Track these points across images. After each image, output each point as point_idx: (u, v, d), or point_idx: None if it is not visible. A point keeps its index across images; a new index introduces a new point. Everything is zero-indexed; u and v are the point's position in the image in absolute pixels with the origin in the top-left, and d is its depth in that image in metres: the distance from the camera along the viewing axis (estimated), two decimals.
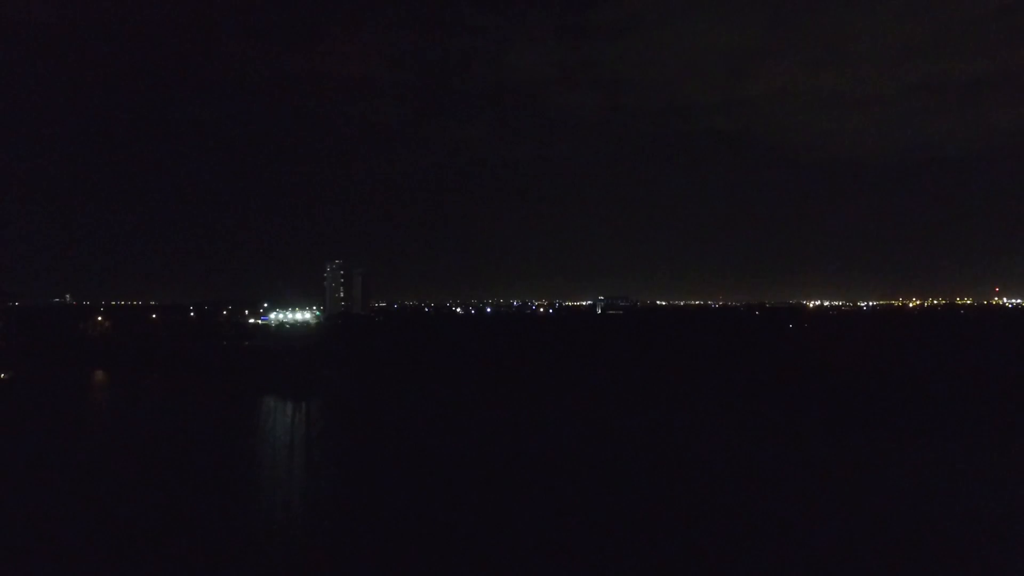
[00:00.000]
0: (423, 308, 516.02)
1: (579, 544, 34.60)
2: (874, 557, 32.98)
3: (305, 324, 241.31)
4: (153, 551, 34.26)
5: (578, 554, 33.35)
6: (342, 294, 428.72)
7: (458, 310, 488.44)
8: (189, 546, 34.79)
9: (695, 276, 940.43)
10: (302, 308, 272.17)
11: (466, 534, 36.18)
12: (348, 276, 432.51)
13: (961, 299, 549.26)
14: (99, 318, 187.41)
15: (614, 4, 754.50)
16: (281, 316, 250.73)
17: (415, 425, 67.84)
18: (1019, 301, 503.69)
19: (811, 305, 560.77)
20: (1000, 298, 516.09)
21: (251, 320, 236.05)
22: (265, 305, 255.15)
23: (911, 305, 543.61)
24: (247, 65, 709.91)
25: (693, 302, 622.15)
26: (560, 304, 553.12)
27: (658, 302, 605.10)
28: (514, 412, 74.49)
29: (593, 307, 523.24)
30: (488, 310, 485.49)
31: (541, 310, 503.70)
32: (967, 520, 38.32)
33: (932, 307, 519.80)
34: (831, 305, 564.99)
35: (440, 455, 54.33)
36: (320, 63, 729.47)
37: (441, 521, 38.12)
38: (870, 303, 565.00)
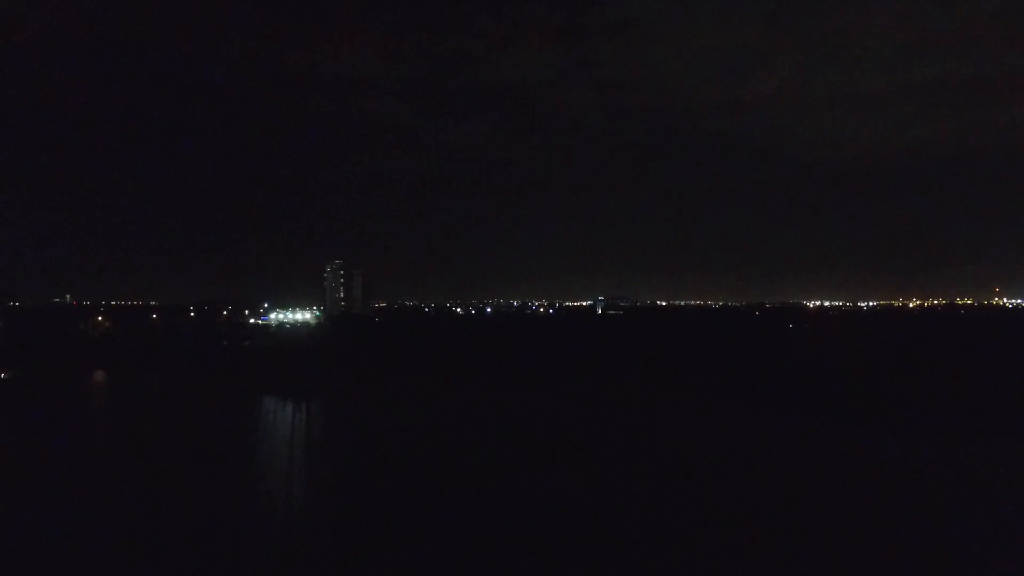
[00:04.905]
0: (423, 308, 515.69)
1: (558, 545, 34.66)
2: (874, 555, 32.99)
3: (305, 324, 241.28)
4: (153, 551, 34.25)
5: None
6: (342, 294, 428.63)
7: (458, 310, 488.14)
8: (189, 546, 34.79)
9: (695, 276, 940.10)
10: (302, 308, 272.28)
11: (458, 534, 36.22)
12: (348, 276, 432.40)
13: (961, 299, 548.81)
14: (99, 318, 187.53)
15: (614, 4, 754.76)
16: (281, 316, 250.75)
17: (411, 426, 67.83)
18: (1019, 301, 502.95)
19: (811, 305, 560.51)
20: (1000, 298, 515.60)
21: (251, 320, 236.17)
22: (265, 305, 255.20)
23: (911, 305, 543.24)
24: (246, 65, 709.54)
25: (693, 302, 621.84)
26: (560, 304, 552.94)
27: (658, 302, 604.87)
28: (510, 413, 74.53)
29: (593, 307, 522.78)
30: (488, 310, 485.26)
31: (541, 310, 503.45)
32: (966, 519, 38.32)
33: (932, 307, 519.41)
34: (831, 305, 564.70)
35: (435, 457, 54.34)
36: (319, 63, 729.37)
37: (433, 525, 38.15)
38: (870, 303, 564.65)
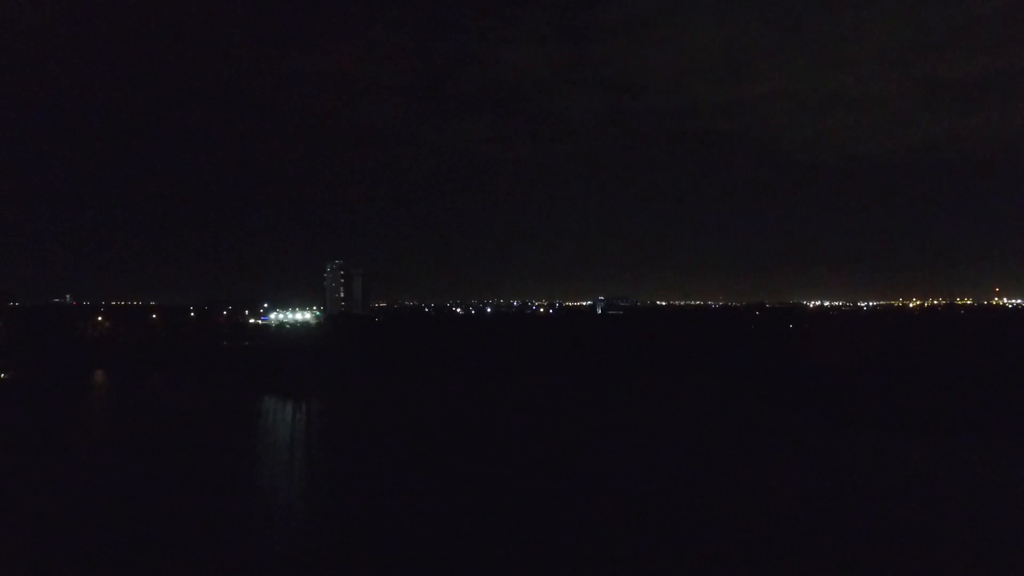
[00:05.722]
0: (423, 308, 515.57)
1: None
2: (871, 557, 32.99)
3: (305, 324, 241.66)
4: (154, 551, 34.25)
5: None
6: (342, 294, 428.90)
7: (458, 310, 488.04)
8: (190, 546, 34.79)
9: (695, 276, 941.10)
10: (302, 308, 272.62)
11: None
12: (348, 276, 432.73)
13: (961, 299, 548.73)
14: (99, 318, 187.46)
15: (614, 4, 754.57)
16: (281, 316, 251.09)
17: (410, 427, 67.87)
18: (1019, 301, 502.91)
19: (811, 305, 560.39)
20: (1000, 298, 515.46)
21: (251, 320, 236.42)
22: (265, 305, 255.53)
23: (911, 305, 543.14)
24: (246, 65, 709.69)
25: (693, 302, 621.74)
26: (560, 304, 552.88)
27: (658, 302, 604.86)
28: (506, 415, 74.57)
29: (593, 307, 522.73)
30: (488, 310, 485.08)
31: (541, 310, 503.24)
32: (965, 520, 38.33)
33: (932, 307, 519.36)
34: (831, 305, 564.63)
35: (432, 460, 54.38)
36: (319, 63, 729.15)
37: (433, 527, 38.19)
38: (870, 303, 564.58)
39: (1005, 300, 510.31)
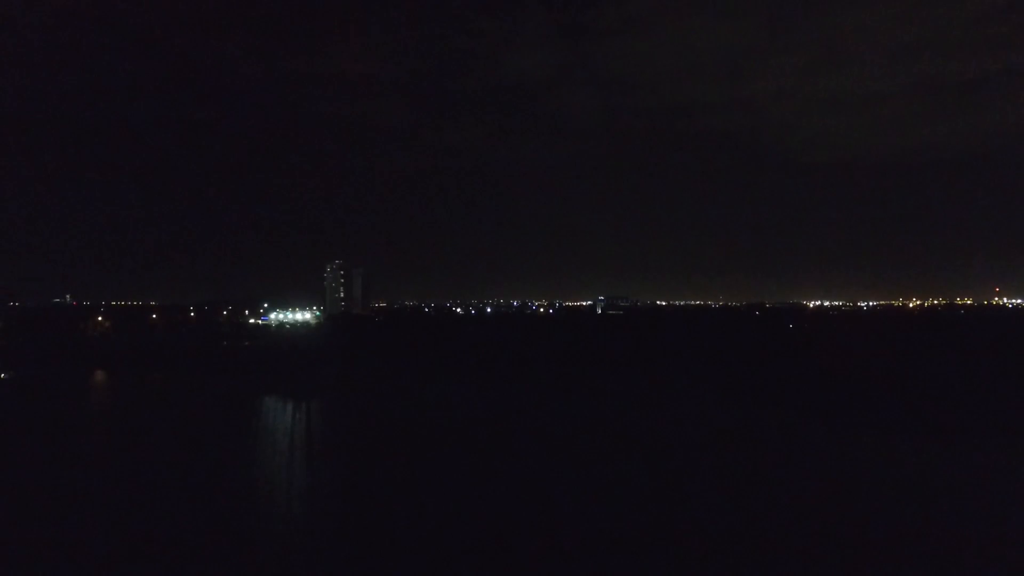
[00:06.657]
0: (423, 308, 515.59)
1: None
2: (869, 557, 32.97)
3: (305, 324, 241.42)
4: (154, 552, 34.24)
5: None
6: (342, 294, 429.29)
7: (458, 310, 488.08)
8: (190, 547, 34.77)
9: (695, 276, 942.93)
10: (302, 308, 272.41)
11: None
12: (348, 276, 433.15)
13: (961, 299, 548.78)
14: (99, 318, 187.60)
15: (614, 4, 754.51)
16: (281, 316, 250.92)
17: (408, 426, 67.86)
18: (1019, 301, 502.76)
19: (811, 305, 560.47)
20: (1000, 298, 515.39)
21: (251, 320, 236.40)
22: (265, 305, 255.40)
23: (911, 305, 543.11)
24: (246, 66, 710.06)
25: (693, 302, 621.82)
26: (560, 304, 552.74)
27: (658, 302, 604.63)
28: (505, 415, 74.52)
29: (593, 307, 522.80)
30: (488, 310, 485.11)
31: (541, 310, 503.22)
32: (963, 519, 38.30)
33: (932, 307, 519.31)
34: (831, 305, 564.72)
35: (426, 459, 54.37)
36: (319, 64, 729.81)
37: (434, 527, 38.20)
38: (870, 303, 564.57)
39: (1005, 300, 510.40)
